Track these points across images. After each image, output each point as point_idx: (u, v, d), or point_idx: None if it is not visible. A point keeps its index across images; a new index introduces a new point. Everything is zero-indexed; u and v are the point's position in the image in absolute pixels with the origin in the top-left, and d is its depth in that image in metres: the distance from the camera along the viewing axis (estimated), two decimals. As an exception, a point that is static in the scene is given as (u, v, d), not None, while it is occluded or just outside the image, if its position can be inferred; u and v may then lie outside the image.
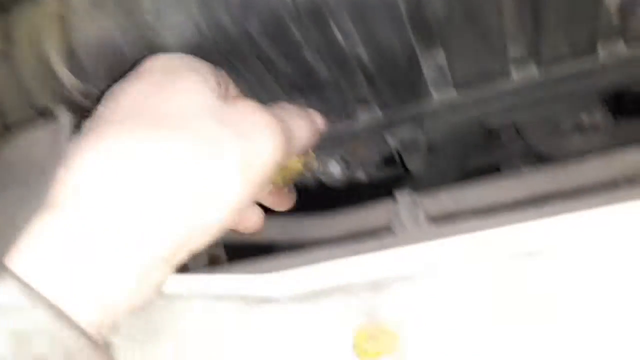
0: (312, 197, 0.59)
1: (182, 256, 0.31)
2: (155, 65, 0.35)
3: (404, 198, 0.44)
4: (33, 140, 0.41)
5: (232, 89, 0.40)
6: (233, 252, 0.60)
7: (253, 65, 0.46)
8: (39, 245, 0.25)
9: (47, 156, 0.36)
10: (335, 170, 0.55)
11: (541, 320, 0.32)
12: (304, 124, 0.40)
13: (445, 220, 0.43)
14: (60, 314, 0.23)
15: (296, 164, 0.46)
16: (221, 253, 0.59)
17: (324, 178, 0.56)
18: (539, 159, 0.63)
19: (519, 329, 0.32)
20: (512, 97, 0.50)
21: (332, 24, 0.43)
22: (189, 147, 0.29)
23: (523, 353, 0.32)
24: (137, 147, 0.28)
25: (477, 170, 0.56)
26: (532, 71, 0.48)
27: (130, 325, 0.42)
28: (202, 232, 0.30)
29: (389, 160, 0.61)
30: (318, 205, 0.56)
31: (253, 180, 0.32)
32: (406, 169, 0.60)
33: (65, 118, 0.43)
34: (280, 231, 0.47)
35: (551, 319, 0.32)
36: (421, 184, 0.54)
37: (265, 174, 0.33)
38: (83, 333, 0.24)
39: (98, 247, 0.26)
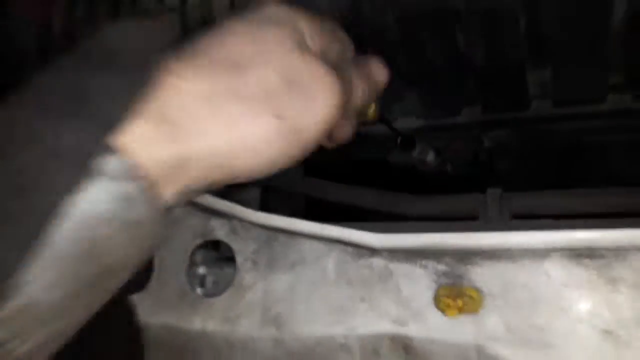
0: (401, 179, 0.69)
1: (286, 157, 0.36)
2: (266, 12, 0.38)
3: (494, 193, 0.54)
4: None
5: (337, 49, 0.41)
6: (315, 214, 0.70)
7: (381, 49, 0.56)
8: (138, 129, 0.31)
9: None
10: (430, 159, 0.65)
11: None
12: (364, 87, 0.43)
13: (527, 219, 0.52)
14: (152, 189, 0.31)
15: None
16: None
17: (417, 163, 0.67)
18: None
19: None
20: (604, 120, 0.58)
21: (459, 27, 0.53)
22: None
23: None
24: (232, 58, 0.34)
25: (563, 182, 0.64)
26: (626, 99, 0.56)
27: (256, 252, 0.54)
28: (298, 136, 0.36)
29: (479, 162, 0.71)
30: (406, 189, 0.67)
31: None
32: (493, 171, 0.69)
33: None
34: (381, 202, 0.58)
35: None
36: (505, 185, 0.63)
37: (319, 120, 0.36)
38: (160, 206, 0.32)
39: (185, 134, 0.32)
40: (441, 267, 0.47)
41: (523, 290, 0.44)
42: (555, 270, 0.44)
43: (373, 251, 0.49)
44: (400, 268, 0.48)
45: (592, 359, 0.41)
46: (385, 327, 0.48)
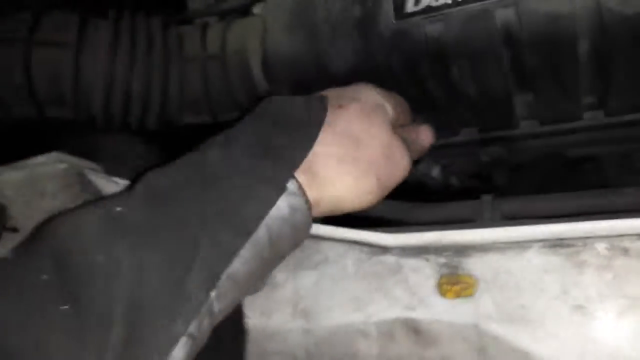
0: (413, 192, 0.79)
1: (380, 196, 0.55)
2: (368, 97, 0.58)
3: (487, 199, 0.64)
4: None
5: (403, 116, 0.62)
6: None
7: (390, 87, 0.67)
8: (308, 166, 0.48)
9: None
10: (436, 174, 0.75)
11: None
12: (418, 152, 0.64)
13: (515, 219, 0.62)
14: (309, 206, 0.48)
15: None
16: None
17: (425, 179, 0.77)
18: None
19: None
20: (583, 134, 0.68)
21: (453, 65, 0.63)
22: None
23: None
24: (351, 136, 0.52)
25: (550, 187, 0.73)
26: (600, 116, 0.66)
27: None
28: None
29: (480, 174, 0.80)
30: (417, 199, 0.77)
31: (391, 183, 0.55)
32: (492, 182, 0.79)
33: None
34: (392, 210, 0.68)
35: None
36: (503, 193, 0.73)
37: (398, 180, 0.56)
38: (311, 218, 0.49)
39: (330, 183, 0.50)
40: (442, 260, 0.57)
41: (509, 275, 0.54)
42: (535, 258, 0.53)
43: (385, 249, 0.59)
44: (408, 262, 0.58)
45: (566, 330, 0.50)
46: (397, 312, 0.58)
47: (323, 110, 0.52)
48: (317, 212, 0.50)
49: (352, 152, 0.51)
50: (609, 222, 0.50)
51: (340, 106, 0.54)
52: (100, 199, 0.49)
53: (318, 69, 0.68)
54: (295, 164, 0.47)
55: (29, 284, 0.38)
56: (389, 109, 0.58)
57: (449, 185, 0.81)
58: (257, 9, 0.77)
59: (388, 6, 0.63)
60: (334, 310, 0.61)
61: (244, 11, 0.84)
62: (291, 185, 0.46)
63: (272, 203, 0.45)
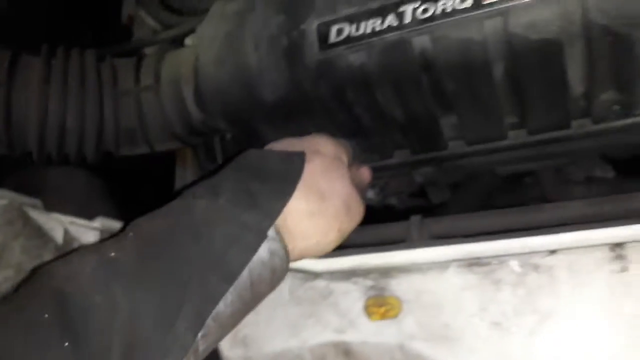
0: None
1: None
2: (326, 149, 0.63)
3: (415, 220, 0.66)
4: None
5: (349, 159, 0.67)
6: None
7: (320, 115, 0.70)
8: (283, 219, 0.52)
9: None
10: (371, 195, 0.77)
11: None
12: (363, 192, 0.69)
13: (443, 238, 0.64)
14: (286, 251, 0.52)
15: None
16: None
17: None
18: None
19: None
20: (509, 153, 0.71)
21: (377, 92, 0.66)
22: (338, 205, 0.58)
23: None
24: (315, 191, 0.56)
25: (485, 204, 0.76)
26: (523, 135, 0.69)
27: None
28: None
29: (418, 193, 0.83)
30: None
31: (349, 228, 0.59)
32: (428, 200, 0.81)
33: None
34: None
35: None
36: (443, 213, 0.75)
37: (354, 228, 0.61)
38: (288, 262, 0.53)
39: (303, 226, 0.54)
40: (368, 282, 0.59)
41: (431, 295, 0.56)
42: (453, 277, 0.55)
43: (316, 275, 0.61)
44: (338, 286, 0.60)
45: (484, 346, 0.53)
46: (329, 336, 0.59)
47: (301, 167, 0.56)
48: (291, 257, 0.54)
49: (319, 207, 0.55)
50: (520, 240, 0.53)
51: (309, 156, 0.58)
52: (92, 245, 0.53)
53: (249, 99, 0.70)
54: (275, 214, 0.51)
55: (32, 321, 0.40)
56: (345, 158, 0.64)
57: (390, 206, 0.83)
58: (189, 40, 0.79)
59: (312, 37, 0.65)
60: (272, 337, 0.62)
61: (181, 41, 0.85)
62: (271, 231, 0.50)
63: (254, 250, 0.48)
